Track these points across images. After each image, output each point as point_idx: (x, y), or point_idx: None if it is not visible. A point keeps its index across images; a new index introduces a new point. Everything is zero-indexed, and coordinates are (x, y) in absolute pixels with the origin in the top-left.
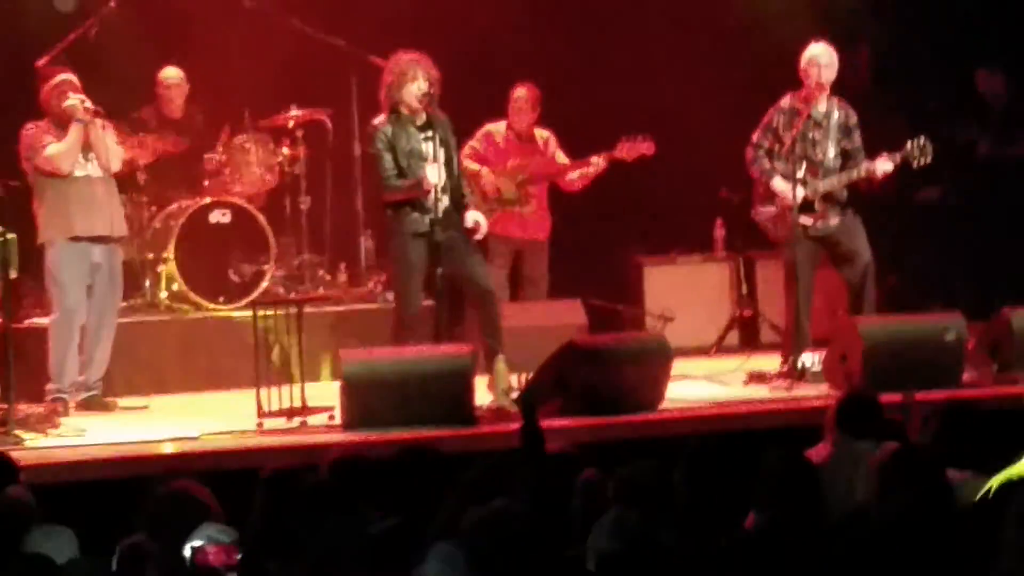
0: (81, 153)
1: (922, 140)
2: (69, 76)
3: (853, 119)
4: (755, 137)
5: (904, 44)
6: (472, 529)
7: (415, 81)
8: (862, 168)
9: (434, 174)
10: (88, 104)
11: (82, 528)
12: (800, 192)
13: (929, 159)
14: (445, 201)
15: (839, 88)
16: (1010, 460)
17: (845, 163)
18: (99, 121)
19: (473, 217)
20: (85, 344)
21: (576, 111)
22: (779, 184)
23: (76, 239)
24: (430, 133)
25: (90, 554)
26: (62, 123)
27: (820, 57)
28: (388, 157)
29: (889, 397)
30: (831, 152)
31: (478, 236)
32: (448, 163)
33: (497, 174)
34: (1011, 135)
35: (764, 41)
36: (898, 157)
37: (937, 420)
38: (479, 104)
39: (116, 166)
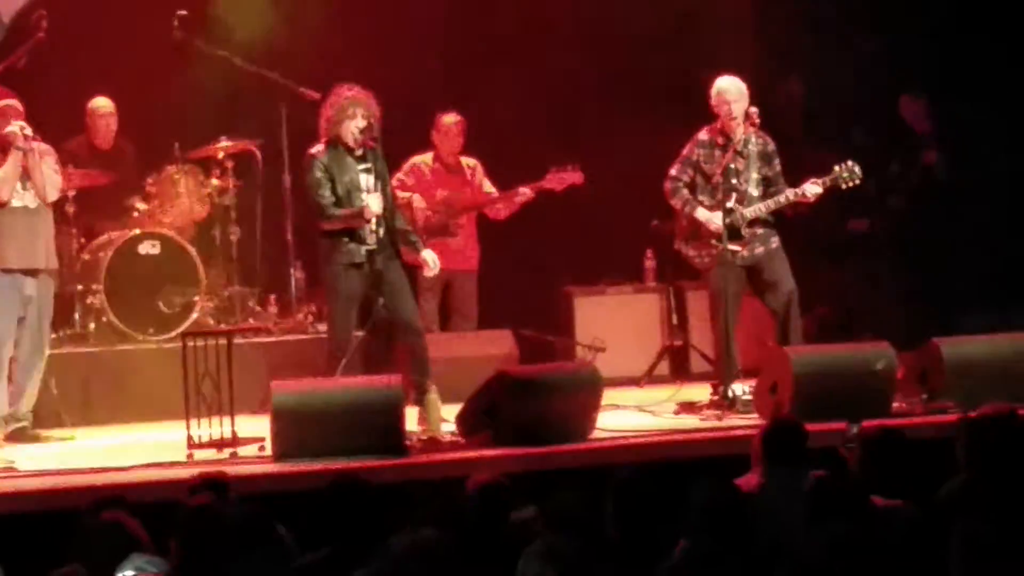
0: (19, 182)
1: (850, 163)
2: (12, 102)
3: (771, 146)
4: (673, 171)
5: (835, 76)
6: (398, 558)
7: (354, 119)
8: (789, 193)
9: (376, 203)
10: (28, 132)
11: (9, 561)
12: (726, 220)
13: (858, 181)
14: (381, 232)
15: (770, 120)
16: (938, 488)
17: (766, 190)
18: (39, 147)
19: (431, 256)
20: (15, 375)
21: (503, 140)
22: (703, 214)
23: (8, 271)
24: (368, 165)
25: None
26: (3, 148)
27: (728, 92)
28: (327, 186)
29: (831, 426)
30: (753, 180)
31: (431, 273)
32: (384, 195)
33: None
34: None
35: (696, 71)
36: (827, 179)
37: (866, 448)
38: (402, 135)
39: (53, 196)
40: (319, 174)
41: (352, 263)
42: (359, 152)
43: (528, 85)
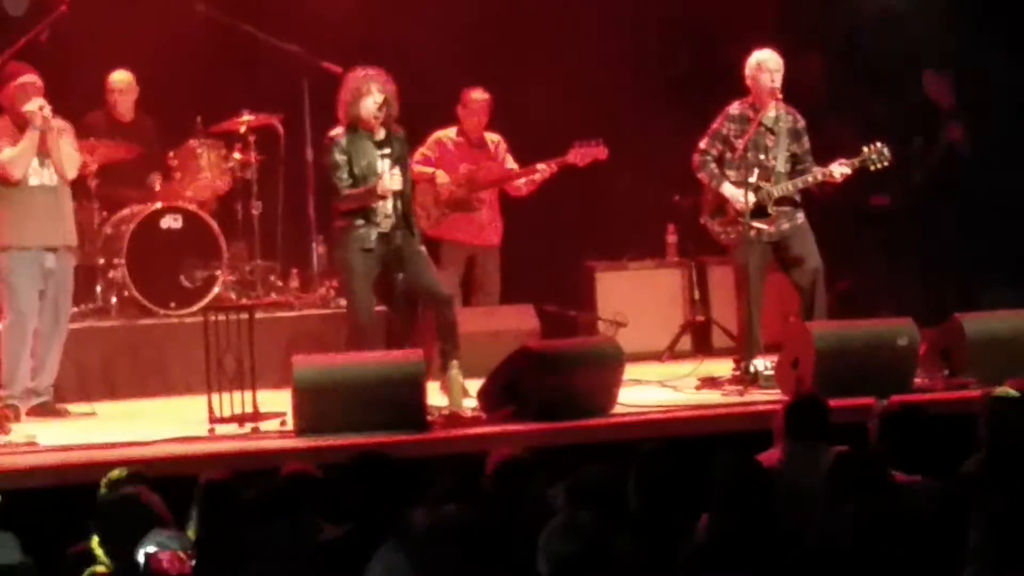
0: (36, 159)
1: (879, 144)
2: (33, 78)
3: (801, 123)
4: (703, 144)
5: (856, 51)
6: (419, 533)
7: (370, 95)
8: (818, 172)
9: (390, 180)
10: (47, 111)
11: (30, 535)
12: (752, 197)
13: (887, 163)
14: (396, 216)
15: (791, 96)
16: (959, 464)
17: (794, 167)
18: (58, 125)
19: None
20: (37, 350)
21: (528, 116)
22: (729, 189)
23: (27, 248)
24: (387, 150)
25: (36, 559)
26: (20, 124)
27: (768, 62)
28: (344, 168)
29: (853, 402)
30: (782, 157)
31: None
32: (403, 178)
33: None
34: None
35: (717, 48)
36: (856, 161)
37: (886, 424)
38: (427, 111)
39: (72, 174)
40: (337, 156)
41: (363, 248)
42: (380, 136)
43: (552, 62)
